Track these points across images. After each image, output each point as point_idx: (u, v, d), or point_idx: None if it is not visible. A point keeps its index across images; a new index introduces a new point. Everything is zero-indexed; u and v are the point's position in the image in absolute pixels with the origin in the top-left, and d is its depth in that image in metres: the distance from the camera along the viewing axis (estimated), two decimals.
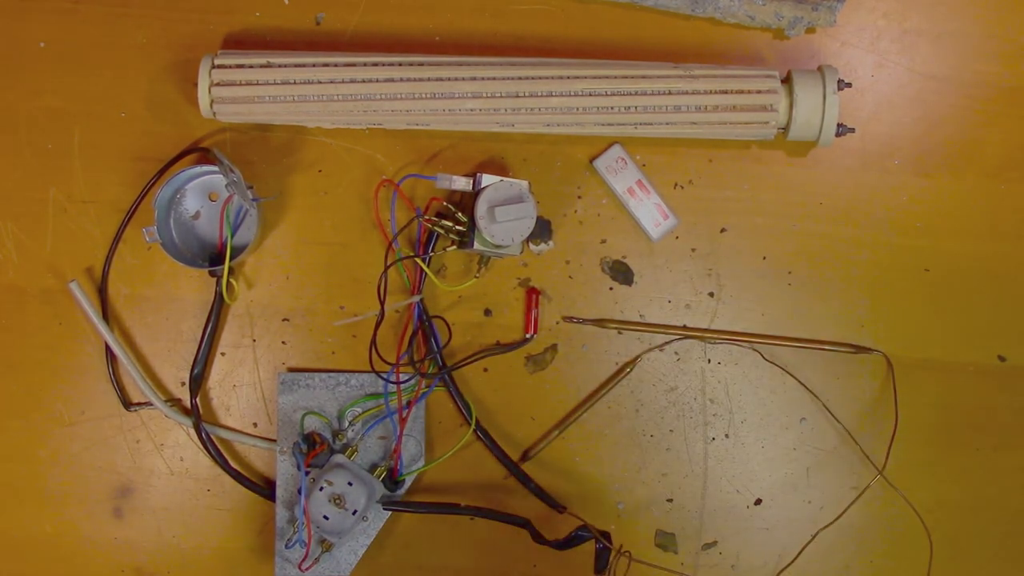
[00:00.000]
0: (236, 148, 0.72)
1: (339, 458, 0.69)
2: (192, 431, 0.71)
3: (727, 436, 0.72)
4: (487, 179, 0.67)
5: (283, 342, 0.72)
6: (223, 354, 0.72)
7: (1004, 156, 0.72)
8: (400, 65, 0.67)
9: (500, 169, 0.72)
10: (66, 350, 0.72)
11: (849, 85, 0.69)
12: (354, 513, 0.67)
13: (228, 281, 0.70)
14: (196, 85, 0.67)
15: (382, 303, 0.68)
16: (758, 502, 0.72)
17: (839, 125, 0.68)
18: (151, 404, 0.71)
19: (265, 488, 0.72)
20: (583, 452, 0.72)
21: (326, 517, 0.67)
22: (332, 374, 0.71)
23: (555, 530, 0.70)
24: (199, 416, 0.71)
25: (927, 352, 0.72)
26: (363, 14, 0.72)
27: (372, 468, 0.70)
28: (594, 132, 0.69)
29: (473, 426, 0.71)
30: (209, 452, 0.71)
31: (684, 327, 0.72)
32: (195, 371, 0.71)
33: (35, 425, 0.72)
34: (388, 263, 0.69)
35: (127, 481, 0.73)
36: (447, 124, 0.69)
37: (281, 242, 0.72)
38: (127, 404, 0.72)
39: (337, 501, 0.67)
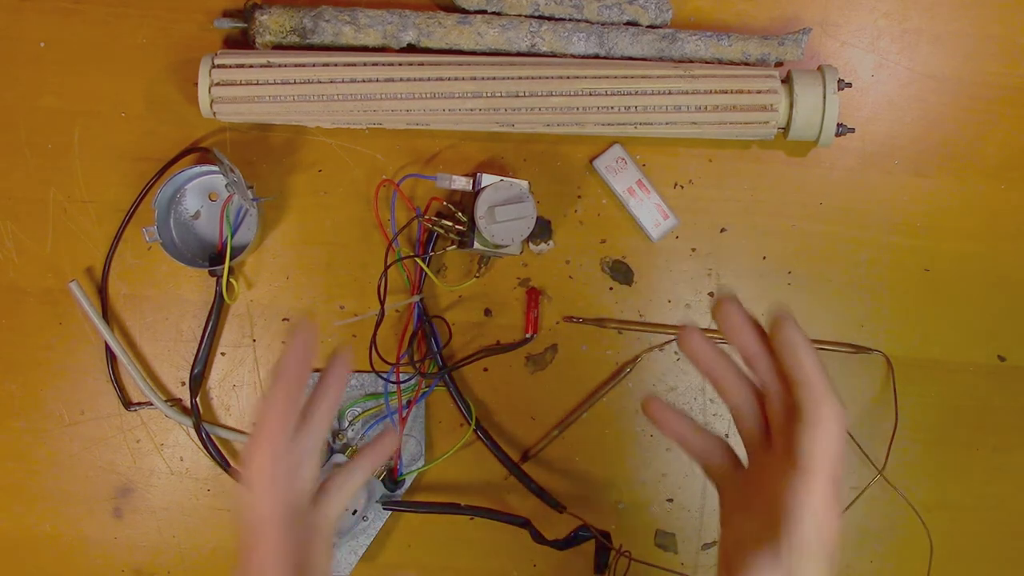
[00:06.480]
0: (236, 148, 0.72)
1: (339, 458, 0.69)
2: (192, 431, 0.71)
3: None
4: (487, 179, 0.67)
5: (283, 342, 0.72)
6: (223, 354, 0.72)
7: (1004, 156, 0.72)
8: (400, 65, 0.67)
9: (500, 169, 0.72)
10: (66, 350, 0.72)
11: (849, 85, 0.69)
12: (354, 513, 0.67)
13: (228, 281, 0.70)
14: (196, 85, 0.67)
15: (382, 303, 0.68)
16: None
17: (839, 125, 0.68)
18: (151, 404, 0.71)
19: None
20: (583, 452, 0.72)
21: None
22: None
23: (555, 530, 0.70)
24: (199, 416, 0.71)
25: (927, 352, 0.72)
26: None
27: None
28: (594, 132, 0.69)
29: (473, 426, 0.71)
30: (209, 452, 0.71)
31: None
32: (195, 371, 0.71)
33: (35, 425, 0.72)
34: (388, 263, 0.69)
35: (127, 481, 0.72)
36: (447, 124, 0.69)
37: (281, 242, 0.72)
38: (127, 404, 0.72)
39: None
